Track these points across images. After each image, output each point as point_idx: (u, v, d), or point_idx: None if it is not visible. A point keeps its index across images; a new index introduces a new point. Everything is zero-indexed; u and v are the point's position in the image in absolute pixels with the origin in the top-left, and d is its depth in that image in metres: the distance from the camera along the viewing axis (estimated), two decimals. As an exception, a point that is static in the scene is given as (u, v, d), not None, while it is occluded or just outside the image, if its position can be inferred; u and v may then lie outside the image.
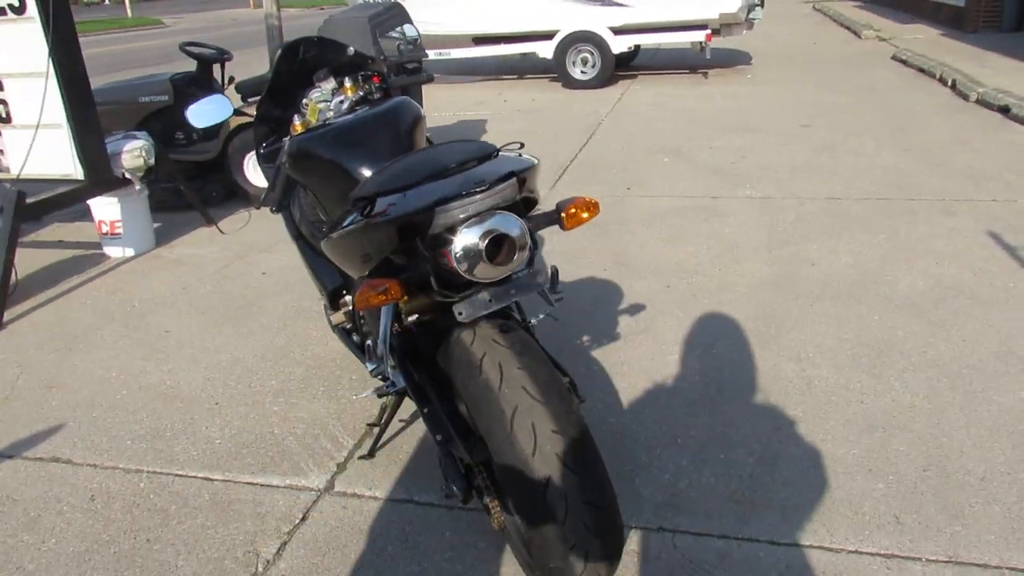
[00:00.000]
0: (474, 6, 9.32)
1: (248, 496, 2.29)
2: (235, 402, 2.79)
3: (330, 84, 2.60)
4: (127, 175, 4.25)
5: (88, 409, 2.81)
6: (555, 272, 2.87)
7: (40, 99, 3.81)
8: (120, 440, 2.60)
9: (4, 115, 3.98)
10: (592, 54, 9.04)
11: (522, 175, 1.42)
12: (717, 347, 2.99)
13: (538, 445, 1.54)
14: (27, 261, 4.22)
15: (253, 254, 4.31)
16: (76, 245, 4.64)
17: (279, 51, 2.63)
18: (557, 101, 8.44)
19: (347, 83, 2.60)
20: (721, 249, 3.95)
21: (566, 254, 3.99)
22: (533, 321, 2.10)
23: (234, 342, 3.25)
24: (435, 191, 1.56)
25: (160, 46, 16.79)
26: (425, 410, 1.88)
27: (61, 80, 3.80)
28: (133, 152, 4.23)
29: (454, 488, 1.81)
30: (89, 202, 4.31)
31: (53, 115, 3.86)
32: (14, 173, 4.00)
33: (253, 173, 5.20)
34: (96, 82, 4.34)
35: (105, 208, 4.33)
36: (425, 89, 8.94)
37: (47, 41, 3.73)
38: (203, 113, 5.17)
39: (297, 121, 2.52)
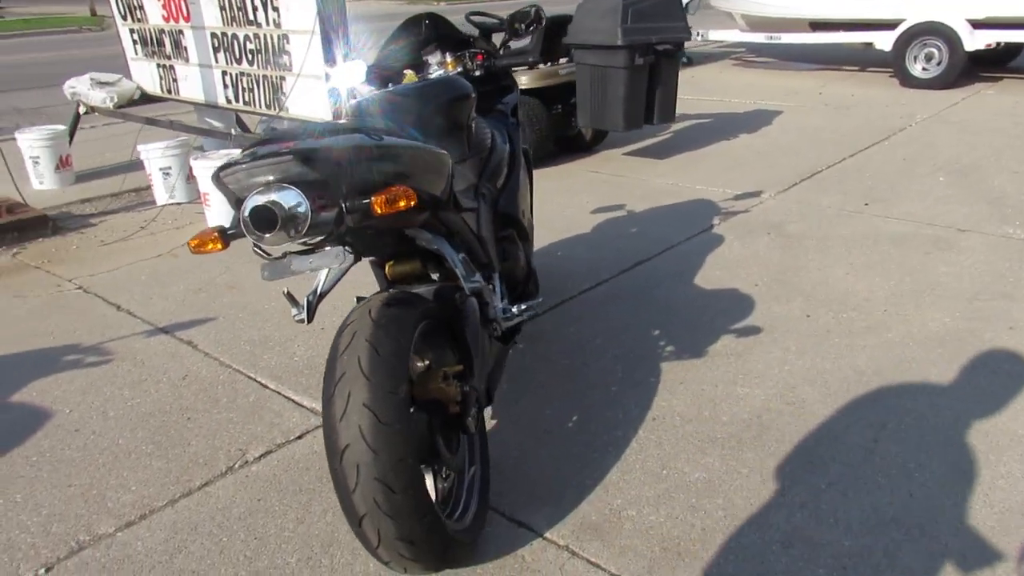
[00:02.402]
0: (815, -12, 8.64)
1: (277, 407, 2.65)
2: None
3: (436, 58, 2.79)
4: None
5: (239, 311, 3.40)
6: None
7: (305, 53, 4.54)
8: (238, 341, 3.13)
9: (288, 64, 4.81)
10: (939, 49, 7.85)
11: (307, 153, 1.46)
12: (796, 397, 2.64)
13: (347, 412, 1.62)
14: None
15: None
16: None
17: (401, 23, 2.87)
18: (877, 99, 7.53)
19: (448, 59, 2.76)
20: (912, 289, 3.37)
21: (730, 260, 3.72)
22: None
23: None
24: (250, 156, 1.54)
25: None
26: None
27: (323, 37, 4.49)
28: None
29: None
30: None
31: (315, 67, 4.57)
32: (293, 113, 4.85)
33: (500, 137, 5.57)
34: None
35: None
36: (735, 73, 8.63)
37: (315, 2, 4.42)
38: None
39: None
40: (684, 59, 10.32)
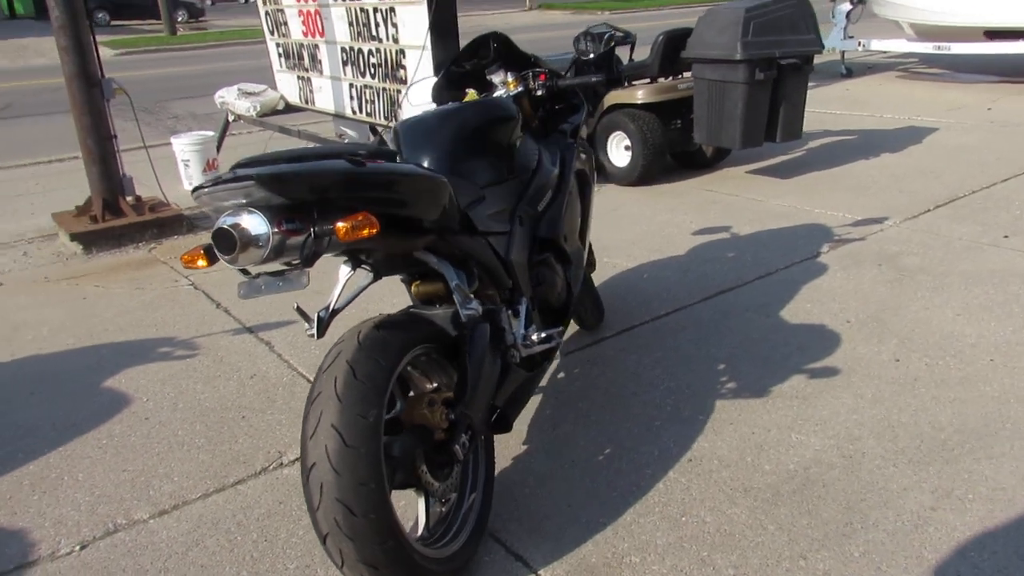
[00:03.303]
0: (993, -6, 7.87)
1: (324, 413, 2.74)
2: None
3: (499, 77, 2.78)
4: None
5: (321, 315, 3.55)
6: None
7: (416, 66, 4.69)
8: (309, 345, 3.27)
9: (403, 77, 4.99)
10: None
11: (268, 178, 1.47)
12: (855, 450, 2.41)
13: (316, 431, 1.65)
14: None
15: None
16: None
17: (469, 42, 2.89)
18: (1056, 117, 6.74)
19: (510, 78, 2.75)
20: (1031, 337, 2.99)
21: (826, 293, 3.45)
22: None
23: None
24: (213, 180, 1.58)
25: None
26: None
27: (435, 52, 4.61)
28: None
29: None
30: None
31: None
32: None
33: (615, 152, 5.50)
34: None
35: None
36: (896, 86, 8.06)
37: (428, 19, 4.55)
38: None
39: (453, 109, 2.76)
40: (843, 71, 9.73)
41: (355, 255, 1.97)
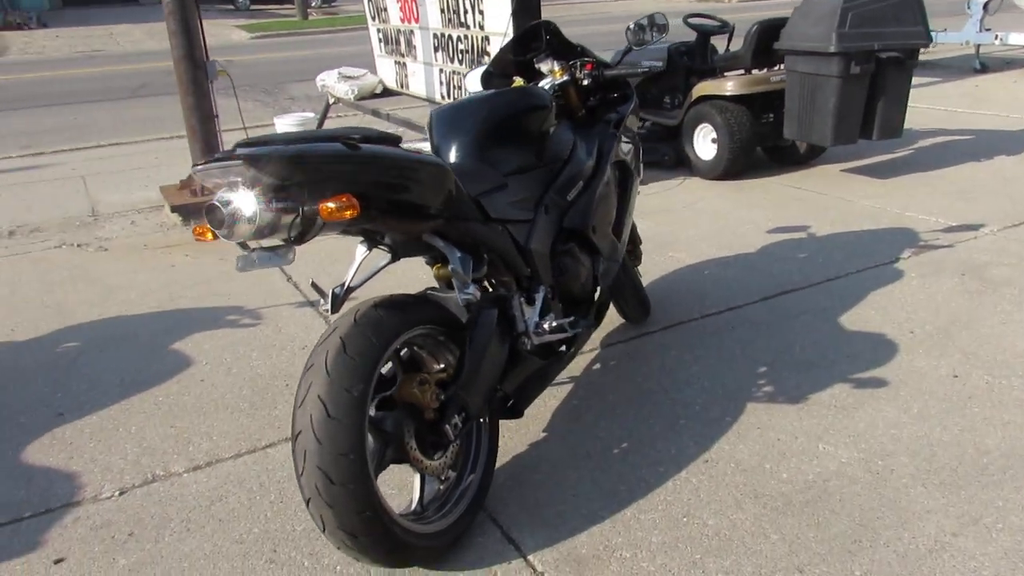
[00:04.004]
0: None
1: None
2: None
3: (547, 66, 2.79)
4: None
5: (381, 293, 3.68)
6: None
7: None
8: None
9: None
10: None
11: (254, 159, 1.53)
12: (884, 467, 2.29)
13: (304, 402, 1.74)
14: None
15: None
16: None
17: (520, 31, 2.90)
18: None
19: (556, 67, 2.75)
20: (1115, 361, 2.74)
21: (896, 301, 3.27)
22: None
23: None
24: (206, 159, 1.67)
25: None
26: None
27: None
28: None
29: None
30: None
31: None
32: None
33: (701, 144, 5.37)
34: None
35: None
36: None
37: (511, 6, 4.58)
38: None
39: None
40: (977, 66, 9.08)
41: (370, 235, 2.05)
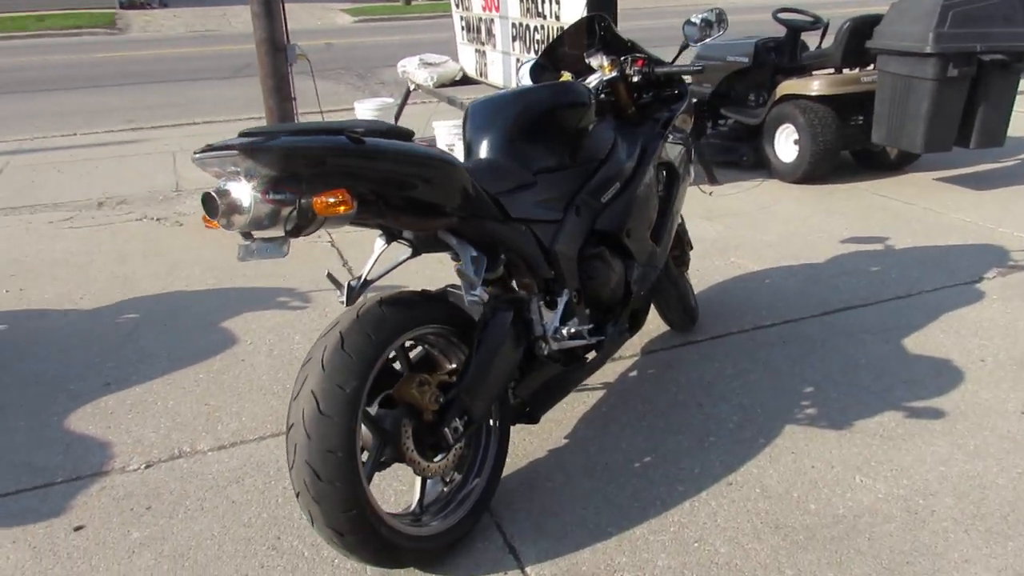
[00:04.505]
0: None
1: (392, 378, 2.85)
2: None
3: (597, 61, 2.69)
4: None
5: (435, 284, 3.67)
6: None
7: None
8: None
9: (562, 56, 4.96)
10: None
11: (251, 149, 1.50)
12: (924, 506, 2.11)
13: (299, 395, 1.73)
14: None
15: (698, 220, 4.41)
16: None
17: (572, 24, 2.81)
18: None
19: (606, 62, 2.65)
20: None
21: (971, 325, 3.03)
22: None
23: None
24: (204, 149, 1.62)
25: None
26: None
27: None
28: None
29: None
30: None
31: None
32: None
33: (782, 146, 5.13)
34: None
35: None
36: None
37: (586, -1, 4.48)
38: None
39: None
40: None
41: (388, 229, 2.02)
